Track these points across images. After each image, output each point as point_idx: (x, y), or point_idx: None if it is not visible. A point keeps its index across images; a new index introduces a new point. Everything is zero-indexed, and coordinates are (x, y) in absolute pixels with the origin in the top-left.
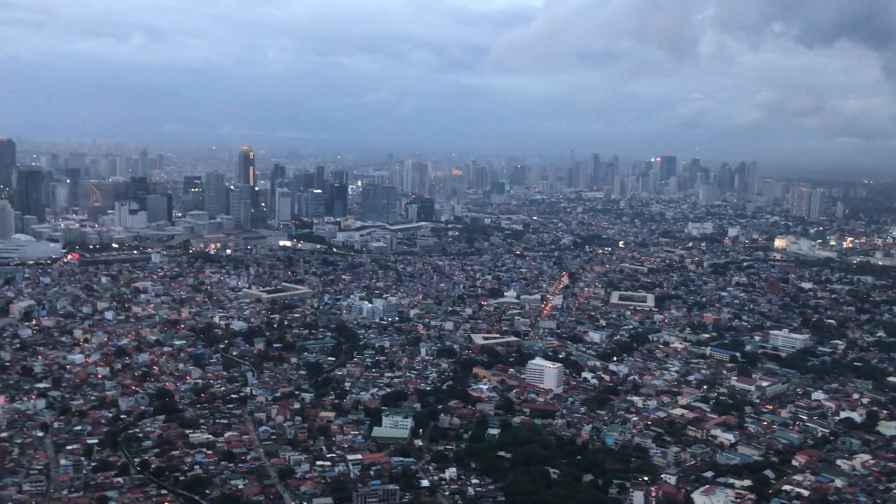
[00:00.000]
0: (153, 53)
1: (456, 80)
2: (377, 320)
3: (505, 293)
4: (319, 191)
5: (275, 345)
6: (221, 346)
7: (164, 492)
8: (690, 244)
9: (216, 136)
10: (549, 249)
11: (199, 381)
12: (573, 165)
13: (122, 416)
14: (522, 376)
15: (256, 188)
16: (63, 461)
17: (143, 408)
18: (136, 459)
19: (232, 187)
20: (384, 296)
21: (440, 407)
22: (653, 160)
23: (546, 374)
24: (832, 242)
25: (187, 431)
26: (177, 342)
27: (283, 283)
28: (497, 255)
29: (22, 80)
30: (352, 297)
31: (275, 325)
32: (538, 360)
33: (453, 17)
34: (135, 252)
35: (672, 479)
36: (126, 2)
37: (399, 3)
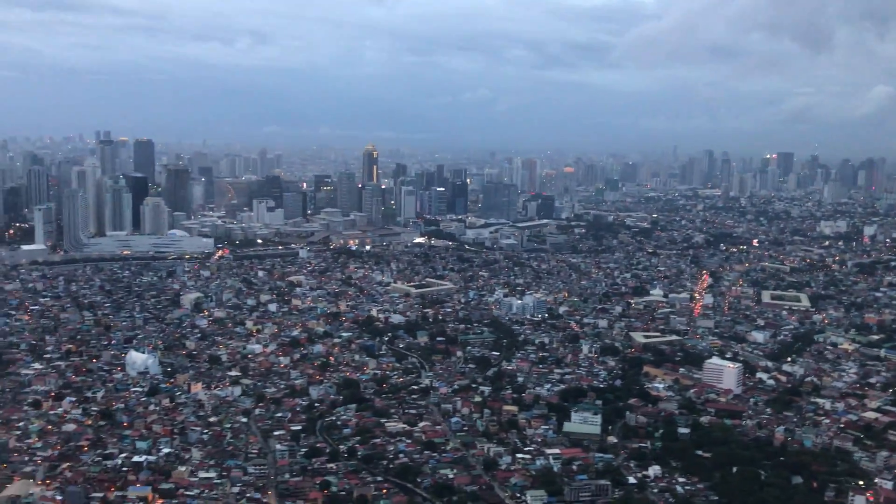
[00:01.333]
0: (257, 56)
1: (552, 77)
2: (527, 316)
3: (651, 291)
4: (442, 189)
5: (438, 338)
6: (385, 338)
7: (378, 479)
8: (827, 243)
9: (315, 136)
10: (682, 247)
11: (377, 371)
12: (686, 162)
13: (316, 405)
14: (697, 376)
15: (383, 186)
16: (278, 446)
17: (332, 396)
18: (341, 447)
19: (360, 185)
20: (527, 292)
21: (620, 405)
22: (768, 156)
23: (725, 373)
24: None
25: (382, 420)
26: (344, 334)
27: (427, 279)
28: (629, 253)
29: (135, 84)
30: (496, 293)
31: (430, 320)
32: (715, 360)
33: (550, 14)
34: (280, 248)
35: (888, 484)
36: (233, 6)
37: (496, 0)
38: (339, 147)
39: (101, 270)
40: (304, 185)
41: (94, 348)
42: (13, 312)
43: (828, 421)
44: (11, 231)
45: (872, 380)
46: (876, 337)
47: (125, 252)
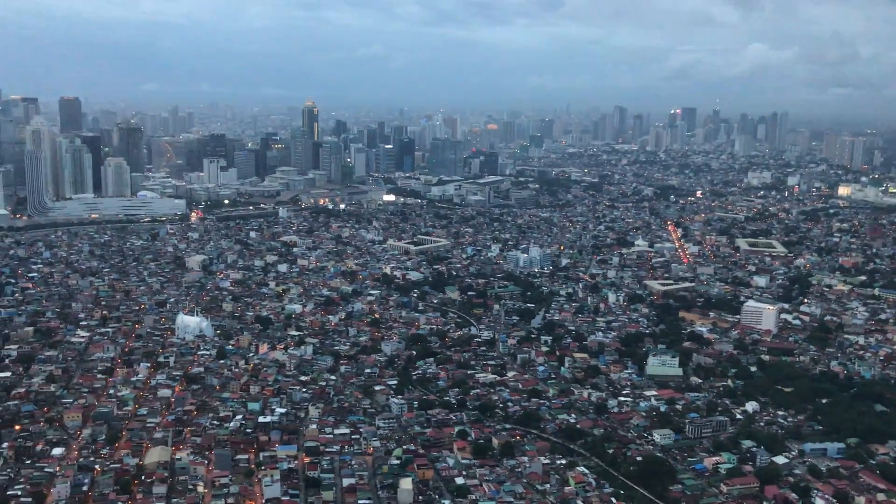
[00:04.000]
0: (135, 9)
1: (444, 33)
2: (535, 269)
3: (635, 242)
4: (390, 146)
5: (468, 293)
6: (414, 294)
7: (506, 426)
8: (762, 193)
9: (196, 93)
10: (635, 200)
11: (431, 326)
12: (598, 118)
13: (395, 360)
14: (735, 319)
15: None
16: (393, 400)
17: (404, 352)
18: (446, 398)
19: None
20: (521, 246)
21: (676, 347)
22: (673, 111)
23: (765, 315)
24: (893, 190)
25: (469, 371)
26: (372, 291)
27: (419, 236)
28: (591, 207)
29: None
30: (492, 248)
31: (445, 276)
32: (753, 303)
33: None
34: (251, 208)
35: None
36: None
37: None
38: (235, 105)
39: (76, 235)
40: (249, 143)
41: (130, 314)
42: (12, 280)
43: (868, 354)
44: None
45: (882, 317)
46: (862, 277)
47: (93, 216)
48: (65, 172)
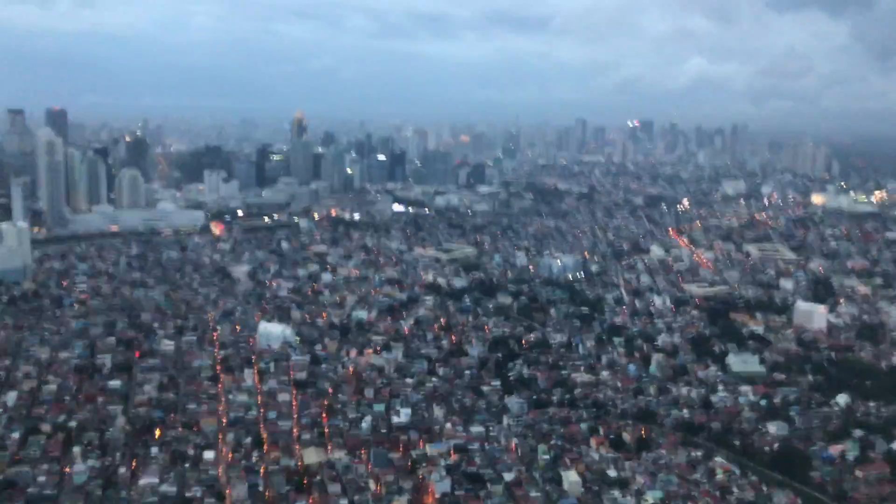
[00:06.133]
0: (77, 20)
1: (392, 46)
2: (570, 276)
3: (650, 249)
4: (383, 157)
5: (521, 297)
6: (467, 300)
7: (629, 422)
8: (742, 201)
9: (138, 106)
10: (631, 209)
11: (504, 330)
12: (562, 131)
13: (485, 362)
14: (783, 319)
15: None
16: (513, 399)
17: (488, 354)
18: (553, 398)
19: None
20: (546, 253)
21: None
22: (631, 124)
23: (816, 315)
24: (863, 198)
25: (563, 373)
26: (427, 298)
27: (445, 245)
28: (592, 216)
29: None
30: (518, 255)
31: (485, 283)
32: (803, 303)
33: None
34: (266, 219)
35: None
36: None
37: None
38: (187, 118)
39: (102, 248)
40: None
41: (201, 324)
42: (62, 293)
43: None
44: None
45: None
46: (878, 280)
47: (113, 227)
48: (80, 184)
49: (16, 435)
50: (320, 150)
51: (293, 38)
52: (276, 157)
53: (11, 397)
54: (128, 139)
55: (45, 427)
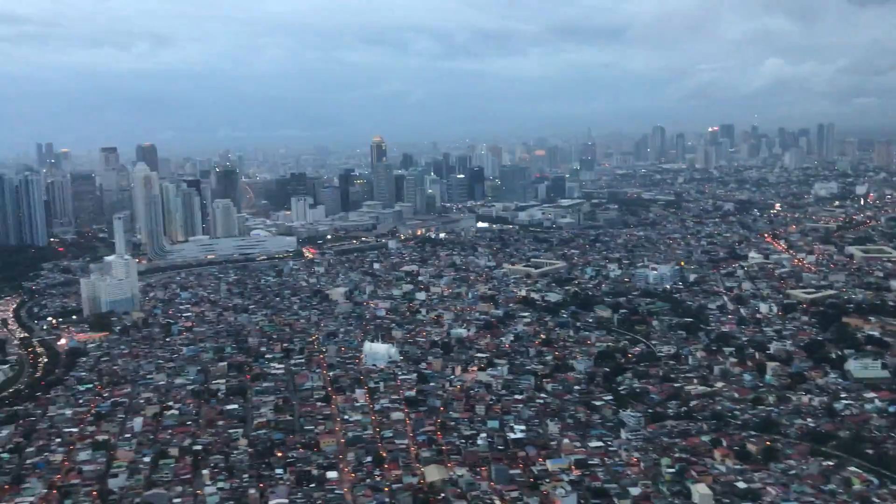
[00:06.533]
0: (155, 60)
1: (458, 67)
2: (667, 286)
3: (749, 255)
4: (462, 176)
5: (621, 311)
6: (564, 314)
7: (751, 434)
8: (836, 203)
9: (214, 139)
10: (722, 215)
11: (608, 343)
12: (639, 140)
13: (594, 376)
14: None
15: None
16: (629, 413)
17: (596, 368)
18: (668, 410)
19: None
20: (639, 264)
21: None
22: (710, 129)
23: None
24: None
25: (675, 385)
26: (524, 314)
27: (533, 259)
28: (681, 224)
29: (22, 98)
30: (609, 266)
31: (580, 296)
32: None
33: (459, 2)
34: (354, 241)
35: None
36: (132, 8)
37: None
38: (262, 148)
39: (201, 276)
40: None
41: (306, 346)
42: (169, 321)
43: None
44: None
45: None
46: None
47: (208, 256)
48: (176, 216)
49: (146, 458)
50: (400, 172)
51: (361, 65)
52: (358, 182)
53: (138, 423)
54: (218, 170)
55: (173, 451)
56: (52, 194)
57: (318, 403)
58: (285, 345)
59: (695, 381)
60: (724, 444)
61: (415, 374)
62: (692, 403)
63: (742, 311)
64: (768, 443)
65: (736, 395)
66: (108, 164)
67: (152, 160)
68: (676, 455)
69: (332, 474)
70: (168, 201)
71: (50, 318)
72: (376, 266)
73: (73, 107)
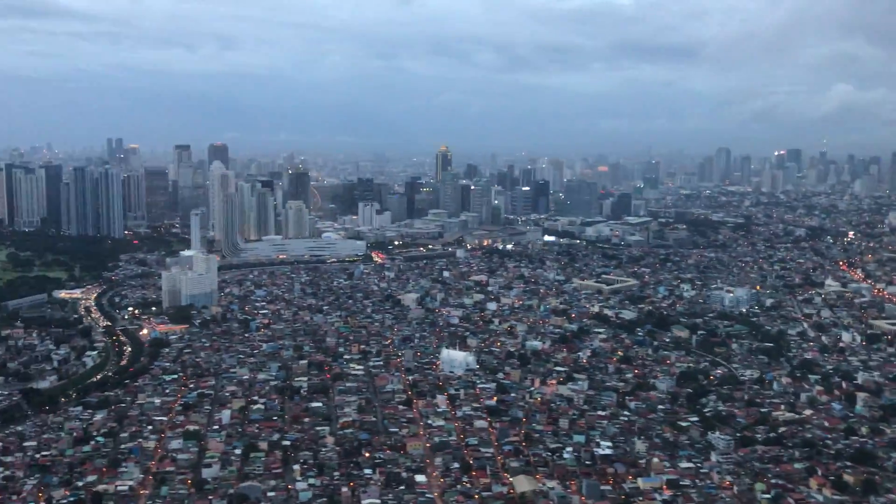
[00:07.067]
0: (221, 61)
1: (520, 80)
2: (743, 309)
3: (825, 282)
4: (527, 188)
5: (698, 332)
6: (640, 333)
7: (847, 465)
8: None
9: (274, 142)
10: (794, 241)
11: (689, 364)
12: (703, 161)
13: (677, 396)
14: None
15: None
16: (717, 435)
17: (675, 388)
18: (757, 435)
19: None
20: (714, 286)
21: None
22: (776, 153)
23: None
24: None
25: (762, 410)
26: (598, 330)
27: (604, 276)
28: (752, 247)
29: (89, 93)
30: (682, 287)
31: (654, 315)
32: None
33: (524, 15)
34: (421, 249)
35: None
36: (201, 10)
37: (467, 3)
38: (320, 153)
39: (275, 275)
40: (396, 187)
41: (382, 349)
42: (247, 317)
43: None
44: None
45: None
46: None
47: (280, 256)
48: (250, 214)
49: (237, 451)
50: (465, 182)
51: (421, 75)
52: (425, 190)
53: (226, 415)
54: (290, 172)
55: (262, 444)
56: (128, 188)
57: (400, 406)
58: (362, 346)
59: (782, 407)
60: (820, 472)
61: (493, 384)
62: (781, 430)
63: (824, 338)
64: (866, 475)
65: (826, 423)
66: (181, 161)
67: (223, 160)
68: (771, 481)
69: (420, 478)
70: (243, 200)
71: (130, 308)
72: (445, 274)
73: (140, 104)
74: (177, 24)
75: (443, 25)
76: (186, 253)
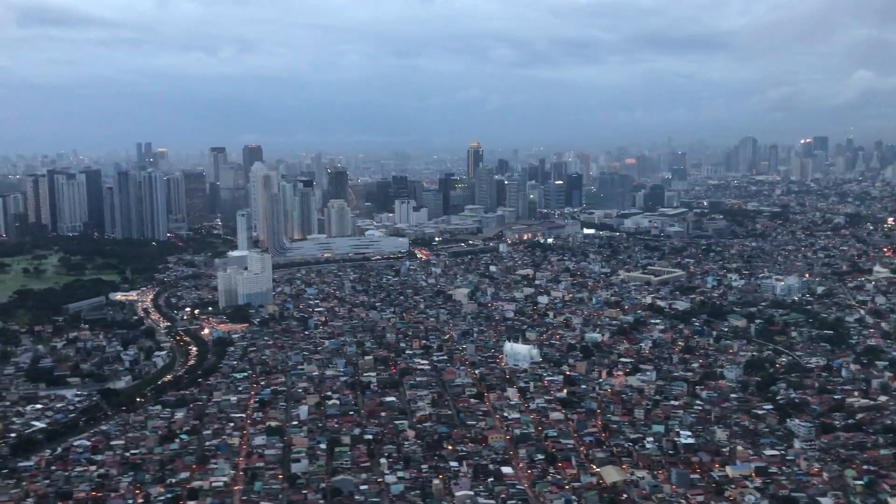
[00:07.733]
0: (240, 65)
1: (538, 74)
2: (795, 297)
3: (874, 269)
4: (560, 182)
5: (756, 321)
6: (696, 322)
7: None
8: None
9: (293, 143)
10: (833, 228)
11: (749, 353)
12: (730, 150)
13: (747, 385)
14: None
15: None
16: (797, 422)
17: (744, 377)
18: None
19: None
20: (761, 274)
21: None
22: (803, 141)
23: None
24: None
25: (835, 397)
26: (654, 321)
27: (649, 267)
28: (792, 235)
29: (110, 99)
30: (730, 276)
31: (706, 304)
32: None
33: (541, 10)
34: (462, 245)
35: None
36: (219, 14)
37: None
38: (343, 152)
39: (322, 273)
40: (425, 184)
41: (443, 343)
42: (303, 314)
43: None
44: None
45: None
46: None
47: (325, 254)
48: (293, 214)
49: (322, 445)
50: (498, 177)
51: (439, 72)
52: (459, 186)
53: (303, 410)
54: (329, 171)
55: (345, 439)
56: (168, 191)
57: (472, 400)
58: (422, 341)
59: (855, 394)
60: None
61: (560, 377)
62: (858, 416)
63: (884, 325)
64: None
65: None
66: (216, 163)
67: (257, 160)
68: (862, 467)
69: (507, 469)
70: (285, 200)
71: (188, 309)
72: (492, 268)
73: (162, 109)
74: (197, 29)
75: (459, 22)
76: (234, 253)
